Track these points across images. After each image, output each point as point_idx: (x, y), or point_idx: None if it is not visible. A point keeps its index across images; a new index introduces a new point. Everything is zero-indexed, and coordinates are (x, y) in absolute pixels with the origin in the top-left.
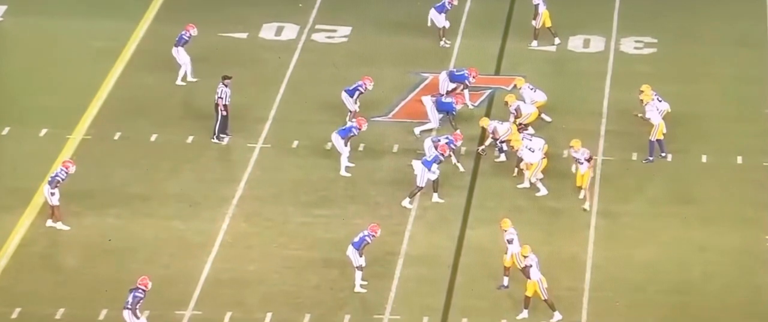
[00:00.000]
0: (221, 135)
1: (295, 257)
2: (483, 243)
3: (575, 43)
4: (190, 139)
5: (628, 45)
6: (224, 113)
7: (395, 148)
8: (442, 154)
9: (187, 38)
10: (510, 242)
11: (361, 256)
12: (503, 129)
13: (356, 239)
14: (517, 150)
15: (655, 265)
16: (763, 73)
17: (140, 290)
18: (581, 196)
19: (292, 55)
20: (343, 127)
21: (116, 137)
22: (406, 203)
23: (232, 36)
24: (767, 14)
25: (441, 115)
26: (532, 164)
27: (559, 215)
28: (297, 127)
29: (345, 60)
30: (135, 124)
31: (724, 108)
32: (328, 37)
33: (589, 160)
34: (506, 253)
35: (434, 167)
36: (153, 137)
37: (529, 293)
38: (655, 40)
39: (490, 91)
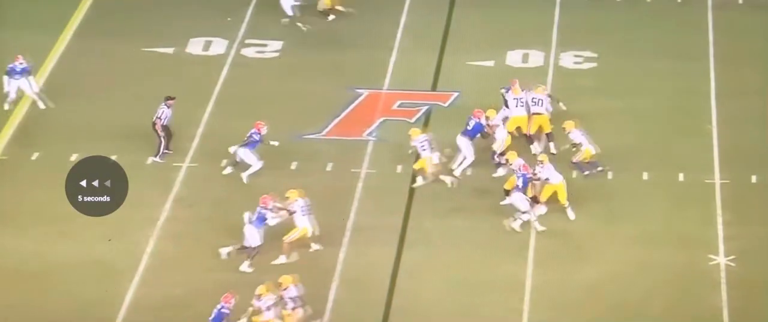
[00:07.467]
0: (166, 151)
1: (222, 280)
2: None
3: (514, 58)
4: (114, 157)
5: (568, 59)
6: (162, 133)
7: (329, 167)
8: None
9: (19, 71)
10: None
11: None
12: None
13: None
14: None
15: (595, 286)
16: (705, 86)
17: (225, 308)
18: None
19: (221, 71)
20: (248, 142)
21: (34, 158)
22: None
23: (156, 50)
24: (709, 27)
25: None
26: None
27: (497, 235)
28: (225, 145)
29: (277, 74)
30: (54, 145)
31: (666, 123)
32: (259, 52)
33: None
34: None
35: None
36: (73, 157)
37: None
38: (596, 55)
39: (427, 107)
